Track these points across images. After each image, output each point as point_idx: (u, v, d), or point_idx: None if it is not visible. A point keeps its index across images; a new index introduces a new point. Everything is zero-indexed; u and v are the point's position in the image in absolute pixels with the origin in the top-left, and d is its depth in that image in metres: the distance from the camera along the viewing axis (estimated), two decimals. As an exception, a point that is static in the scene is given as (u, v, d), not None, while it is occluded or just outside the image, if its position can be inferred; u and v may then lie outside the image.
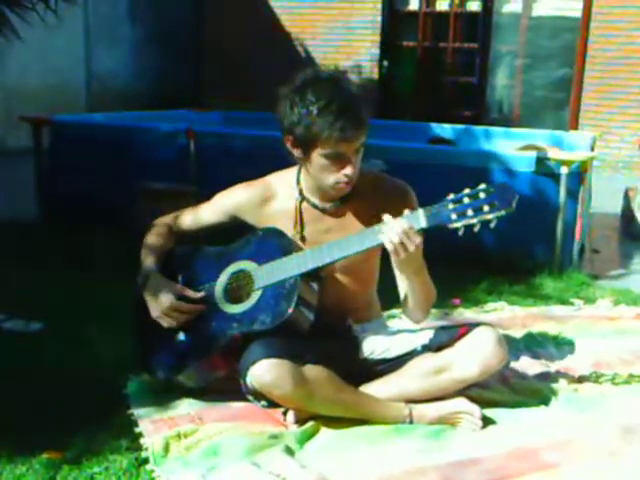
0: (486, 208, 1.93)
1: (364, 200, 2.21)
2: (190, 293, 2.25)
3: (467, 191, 1.96)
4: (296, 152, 2.15)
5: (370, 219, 2.12)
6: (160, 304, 2.22)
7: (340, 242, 2.11)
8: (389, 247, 1.98)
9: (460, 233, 1.95)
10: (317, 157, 2.09)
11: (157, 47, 9.52)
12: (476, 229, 1.95)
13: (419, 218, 1.98)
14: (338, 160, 2.09)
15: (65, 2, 4.78)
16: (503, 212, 1.92)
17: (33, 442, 1.95)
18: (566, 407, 2.33)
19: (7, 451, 1.90)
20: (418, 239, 1.98)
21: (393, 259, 2.03)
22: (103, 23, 8.91)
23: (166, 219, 2.45)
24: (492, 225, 1.94)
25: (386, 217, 2.01)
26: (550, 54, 8.74)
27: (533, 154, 3.98)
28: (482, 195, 1.94)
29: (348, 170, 2.10)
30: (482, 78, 8.91)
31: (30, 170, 4.98)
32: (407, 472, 1.92)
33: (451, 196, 1.97)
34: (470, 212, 1.94)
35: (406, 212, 2.01)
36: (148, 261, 2.33)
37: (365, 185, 2.21)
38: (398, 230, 1.96)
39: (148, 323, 2.26)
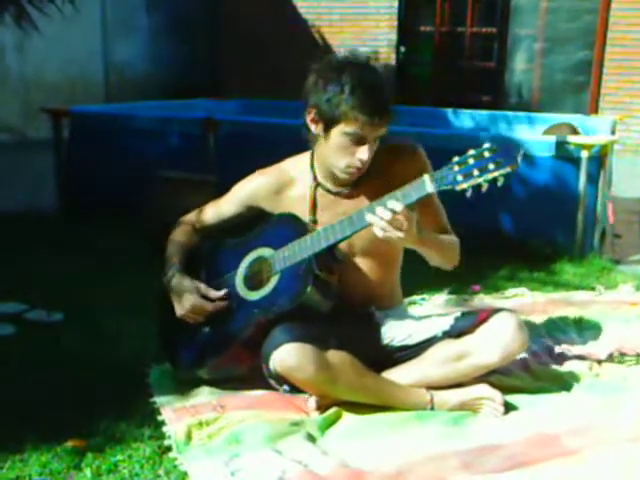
0: (491, 166, 1.92)
1: (378, 178, 2.20)
2: (212, 292, 2.26)
3: (471, 152, 1.95)
4: (315, 127, 2.15)
5: (385, 194, 2.10)
6: (184, 304, 2.25)
7: (351, 217, 2.10)
8: (376, 231, 1.98)
9: (468, 195, 1.94)
10: (337, 135, 2.09)
11: (174, 36, 9.52)
12: (484, 189, 1.94)
13: (425, 183, 1.98)
14: (357, 142, 2.08)
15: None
16: (509, 169, 1.91)
17: (57, 430, 1.97)
18: (588, 392, 2.32)
19: (33, 439, 1.92)
20: (409, 215, 1.97)
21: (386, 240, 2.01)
22: (120, 13, 8.92)
23: (189, 216, 2.48)
24: (499, 184, 1.93)
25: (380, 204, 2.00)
26: (570, 37, 8.63)
27: (553, 138, 3.95)
28: (487, 154, 1.94)
29: (363, 154, 2.09)
30: (500, 63, 8.82)
31: (50, 161, 5.01)
32: (428, 458, 1.92)
33: (456, 158, 1.96)
34: (476, 172, 1.93)
35: (406, 186, 2.00)
36: (173, 260, 2.35)
37: (377, 162, 2.19)
38: (387, 214, 1.95)
39: (172, 318, 2.28)
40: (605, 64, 8.17)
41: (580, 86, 8.58)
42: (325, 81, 2.10)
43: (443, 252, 2.19)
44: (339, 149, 2.11)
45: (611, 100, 8.11)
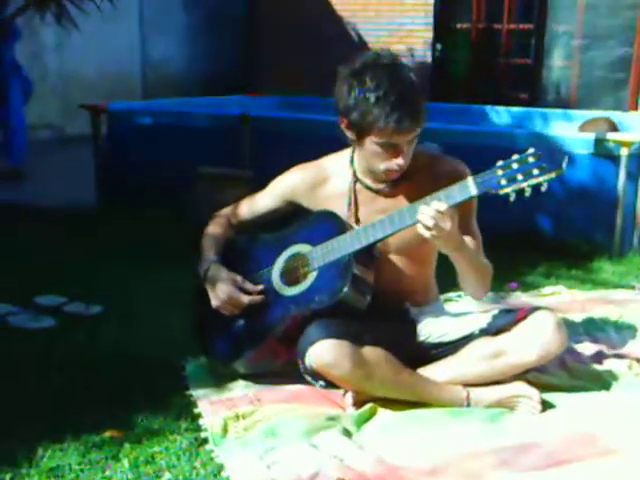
0: (536, 171, 1.91)
1: (419, 180, 2.18)
2: (249, 285, 2.27)
3: (516, 156, 1.95)
4: (350, 134, 2.14)
5: (425, 196, 2.08)
6: (220, 295, 2.25)
7: (392, 216, 2.10)
8: (421, 230, 1.97)
9: (512, 199, 1.93)
10: (370, 144, 2.08)
11: (211, 33, 9.58)
12: (527, 194, 1.92)
13: (469, 186, 1.97)
14: (391, 149, 2.07)
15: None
16: (553, 174, 1.90)
17: (96, 421, 2.00)
18: (627, 391, 2.29)
19: (72, 429, 1.95)
20: (454, 217, 1.96)
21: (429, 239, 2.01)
22: (157, 10, 9.00)
23: (225, 210, 2.49)
24: (543, 189, 1.92)
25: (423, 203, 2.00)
26: (609, 33, 8.50)
27: (591, 136, 3.90)
28: (531, 159, 1.92)
29: (400, 160, 2.09)
30: (538, 59, 8.74)
31: (88, 157, 5.08)
32: (464, 455, 1.91)
33: (500, 162, 1.95)
34: (520, 177, 1.92)
35: (450, 187, 1.99)
36: (208, 252, 2.36)
37: (420, 165, 2.19)
38: (431, 213, 1.95)
39: (209, 310, 2.29)
40: (645, 60, 8.04)
41: (619, 83, 8.45)
42: (350, 89, 2.07)
43: (477, 270, 2.15)
44: (375, 156, 2.11)
45: (651, 97, 7.98)
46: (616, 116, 5.34)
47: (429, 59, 9.02)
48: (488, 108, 5.89)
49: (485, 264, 2.19)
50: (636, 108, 7.86)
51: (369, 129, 2.05)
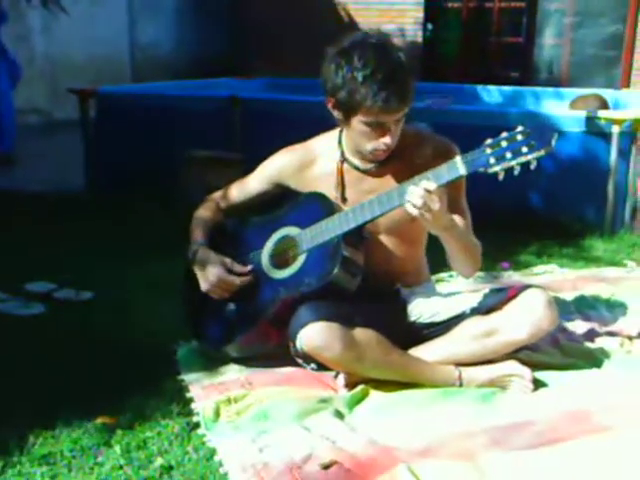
0: (525, 149, 1.89)
1: (406, 159, 2.17)
2: (238, 267, 2.26)
3: (504, 134, 1.93)
4: (337, 114, 2.13)
5: (413, 176, 2.05)
6: (209, 278, 2.24)
7: (380, 197, 2.09)
8: (409, 209, 1.96)
9: (500, 178, 1.92)
10: (357, 123, 2.07)
11: (199, 15, 9.51)
12: (516, 172, 1.91)
13: (457, 165, 1.95)
14: (378, 128, 2.06)
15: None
16: (542, 152, 1.88)
17: (88, 407, 1.98)
18: (619, 369, 2.30)
19: (64, 416, 1.94)
20: (443, 197, 1.95)
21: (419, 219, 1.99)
22: (145, -7, 8.94)
23: (214, 194, 2.48)
24: (532, 167, 1.90)
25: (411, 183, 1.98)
26: (601, 10, 8.48)
27: (583, 113, 3.89)
28: (520, 137, 1.91)
29: (387, 139, 2.07)
30: (529, 38, 8.71)
31: (77, 142, 5.04)
32: (456, 435, 1.91)
33: (489, 141, 1.94)
34: (509, 155, 1.90)
35: (438, 167, 1.98)
36: (197, 235, 2.35)
37: (408, 144, 2.17)
38: (420, 192, 1.93)
39: (198, 295, 2.29)
40: (638, 37, 8.02)
41: (611, 61, 8.43)
42: (337, 68, 2.05)
43: (467, 249, 2.14)
44: (362, 135, 2.09)
45: (643, 74, 7.97)
46: (608, 94, 5.33)
47: (420, 39, 8.98)
48: (480, 87, 5.88)
49: (474, 243, 2.19)
50: (628, 85, 7.85)
51: (356, 108, 2.03)
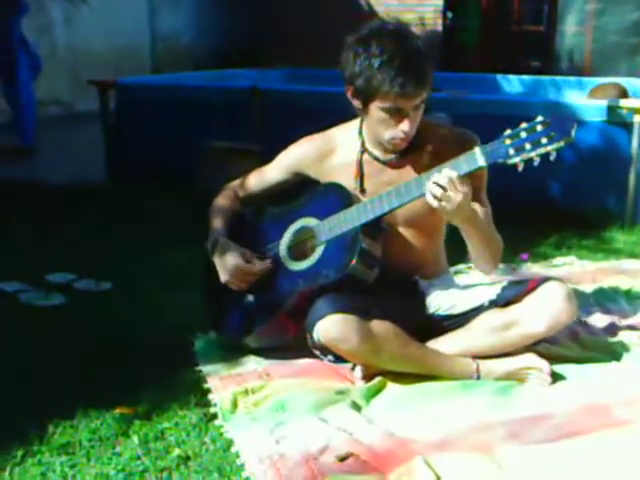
0: (544, 140, 1.88)
1: (426, 151, 2.16)
2: (257, 258, 2.26)
3: (524, 125, 1.91)
4: (355, 103, 2.12)
5: (431, 169, 2.05)
6: (228, 269, 2.24)
7: (399, 188, 2.08)
8: (430, 200, 1.95)
9: (520, 169, 1.90)
10: (375, 110, 2.06)
11: (219, 5, 9.51)
12: (536, 163, 1.90)
13: (476, 156, 1.94)
14: (396, 115, 2.05)
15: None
16: (562, 143, 1.87)
17: (106, 398, 2.00)
18: (638, 362, 2.28)
19: (83, 406, 1.96)
20: (464, 188, 1.94)
21: (439, 210, 1.99)
22: (166, -17, 8.95)
23: (233, 183, 2.47)
24: (552, 158, 1.89)
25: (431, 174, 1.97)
26: (624, -4, 8.38)
27: (604, 102, 3.84)
28: (539, 128, 1.89)
29: (405, 126, 2.06)
30: (551, 26, 8.64)
31: (98, 133, 5.06)
32: (474, 428, 1.91)
33: (508, 132, 1.92)
34: (528, 146, 1.89)
35: (456, 158, 1.97)
36: (216, 225, 2.35)
37: (429, 136, 2.17)
38: (443, 181, 1.92)
39: (217, 286, 2.29)
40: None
41: (634, 48, 8.33)
42: (355, 56, 2.06)
43: (489, 242, 2.14)
44: (380, 122, 2.08)
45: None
46: (630, 82, 5.27)
47: (439, 27, 8.92)
48: (500, 77, 5.83)
49: (496, 238, 2.18)
50: (650, 74, 7.75)
51: (374, 94, 2.03)
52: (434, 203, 1.95)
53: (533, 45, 8.77)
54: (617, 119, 3.75)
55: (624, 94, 4.70)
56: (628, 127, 3.72)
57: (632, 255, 3.40)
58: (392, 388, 2.13)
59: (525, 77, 5.89)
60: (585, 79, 5.84)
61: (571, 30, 8.74)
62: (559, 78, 5.89)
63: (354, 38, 2.09)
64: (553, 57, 8.72)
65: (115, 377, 2.14)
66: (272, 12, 9.73)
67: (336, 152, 2.28)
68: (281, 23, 9.58)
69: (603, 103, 3.84)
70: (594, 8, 8.58)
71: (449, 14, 9.01)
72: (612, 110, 3.75)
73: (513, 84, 5.76)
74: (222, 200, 2.43)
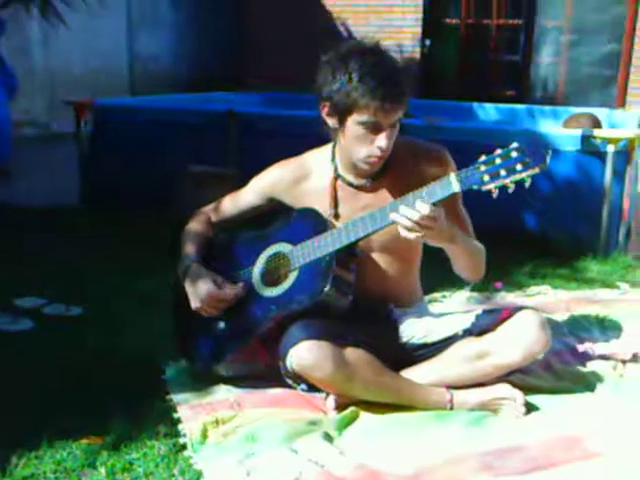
0: (519, 167, 1.88)
1: (400, 173, 2.16)
2: (229, 285, 2.23)
3: (499, 152, 1.91)
4: (331, 121, 2.12)
5: (408, 191, 2.03)
6: (200, 295, 2.22)
7: (373, 214, 2.07)
8: (404, 233, 1.95)
9: (494, 195, 1.90)
10: (352, 125, 2.05)
11: (198, 29, 9.52)
12: (510, 190, 1.89)
13: (451, 182, 1.94)
14: (373, 130, 2.04)
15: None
16: (537, 170, 1.87)
17: (73, 427, 1.96)
18: (612, 393, 2.28)
19: (48, 436, 1.91)
20: (437, 214, 1.92)
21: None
22: (145, 6, 8.94)
23: (206, 208, 2.45)
24: (527, 185, 1.89)
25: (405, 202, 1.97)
26: (597, 29, 8.50)
27: (578, 132, 3.88)
28: (514, 154, 1.89)
29: (382, 141, 2.05)
30: (526, 56, 8.74)
31: (74, 154, 5.01)
32: (447, 460, 1.89)
33: (482, 158, 1.92)
34: (503, 172, 1.89)
35: (431, 184, 1.96)
36: (188, 250, 2.33)
37: (401, 157, 2.16)
38: (414, 217, 1.91)
39: (188, 312, 2.26)
40: (634, 56, 8.05)
41: (607, 79, 8.46)
42: (333, 71, 2.07)
43: (472, 255, 2.14)
44: (357, 139, 2.07)
45: (639, 94, 7.98)
46: (603, 113, 5.33)
47: (417, 55, 8.99)
48: (476, 105, 5.87)
49: (478, 248, 2.18)
50: (624, 105, 7.87)
51: (352, 107, 2.02)
52: (409, 235, 1.95)
53: (509, 74, 8.87)
54: (591, 149, 3.77)
55: (598, 124, 4.76)
56: (602, 157, 3.74)
57: (605, 285, 3.41)
58: (365, 418, 2.10)
59: (501, 105, 5.94)
60: (560, 108, 5.89)
61: (546, 60, 8.86)
62: (534, 107, 5.95)
63: (331, 55, 2.10)
64: (529, 86, 8.81)
65: (83, 405, 2.09)
66: (252, 36, 9.77)
67: (309, 178, 2.27)
68: (259, 48, 9.61)
69: (577, 133, 3.86)
70: (568, 39, 8.71)
71: (427, 42, 9.09)
72: (586, 140, 3.77)
73: (489, 112, 5.80)
74: (195, 225, 2.41)
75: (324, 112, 2.12)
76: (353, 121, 2.05)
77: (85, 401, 2.12)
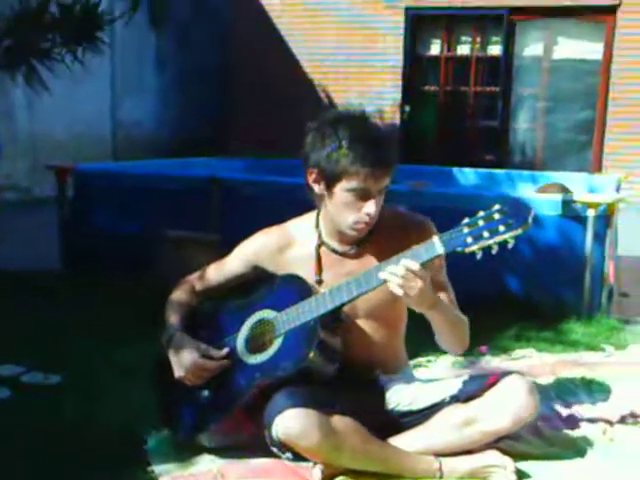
0: (502, 228, 1.89)
1: (384, 240, 2.16)
2: (214, 352, 2.20)
3: (481, 213, 1.92)
4: (318, 188, 2.12)
5: (391, 258, 2.04)
6: (184, 364, 2.18)
7: (358, 278, 2.06)
8: (393, 289, 1.94)
9: (478, 257, 1.90)
10: (340, 192, 2.06)
11: (183, 96, 9.64)
12: (494, 251, 1.90)
13: (435, 245, 1.94)
14: (362, 196, 2.05)
15: (92, 53, 4.83)
16: (520, 230, 1.88)
17: (52, 500, 1.90)
18: (603, 459, 2.25)
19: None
20: (424, 274, 1.93)
21: (403, 299, 1.98)
22: (130, 72, 9.05)
23: (191, 276, 2.44)
24: (510, 246, 1.89)
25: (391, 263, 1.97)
26: (572, 96, 8.72)
27: (559, 197, 3.92)
28: (497, 216, 1.90)
29: (371, 208, 2.06)
30: (504, 122, 8.91)
31: (55, 219, 4.99)
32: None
33: (466, 220, 1.93)
34: (486, 234, 1.89)
35: (415, 246, 1.97)
36: (172, 320, 2.30)
37: (384, 224, 2.16)
38: (401, 272, 1.92)
39: (171, 381, 2.22)
40: (608, 123, 8.23)
41: (583, 145, 8.63)
42: (322, 138, 2.08)
43: (454, 325, 2.13)
44: (344, 206, 2.08)
45: (614, 159, 8.14)
46: (581, 178, 5.42)
47: (397, 121, 9.14)
48: (456, 170, 5.94)
49: (461, 318, 2.17)
50: (600, 169, 8.01)
51: (342, 174, 2.03)
52: (398, 291, 1.94)
53: (488, 140, 9.03)
54: (571, 213, 3.81)
55: (566, 192, 4.83)
56: (583, 221, 3.78)
57: (590, 347, 3.41)
58: (352, 489, 2.05)
59: (480, 170, 6.02)
60: (537, 173, 5.99)
61: (523, 126, 9.04)
62: (513, 172, 6.04)
63: (319, 122, 2.12)
64: (507, 151, 8.97)
65: (63, 477, 2.03)
66: (235, 103, 9.90)
67: (293, 245, 2.26)
68: (244, 114, 9.73)
69: (558, 198, 3.91)
70: (544, 106, 8.90)
71: (406, 107, 9.26)
72: (566, 204, 3.81)
73: (468, 177, 5.87)
74: (179, 294, 2.39)
75: (311, 179, 2.13)
76: (342, 188, 2.05)
77: (65, 473, 2.06)
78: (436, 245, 1.95)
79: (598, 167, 8.18)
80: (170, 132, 9.38)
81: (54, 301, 3.89)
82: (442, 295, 2.13)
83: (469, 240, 1.91)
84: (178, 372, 2.20)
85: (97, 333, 3.32)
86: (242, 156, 6.86)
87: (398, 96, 9.22)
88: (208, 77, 9.98)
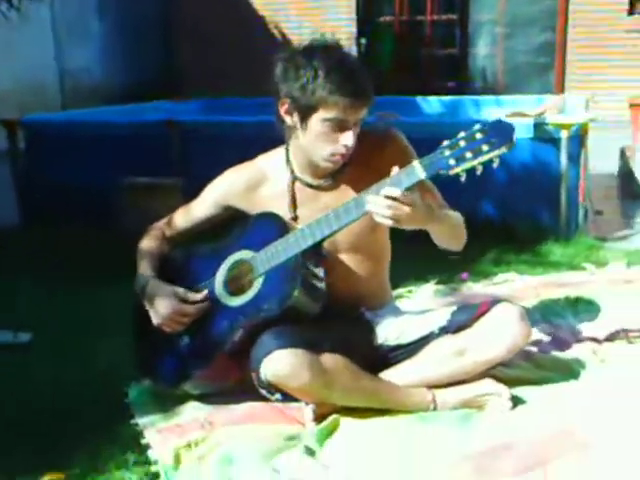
0: (485, 147, 1.79)
1: (358, 168, 2.06)
2: (191, 295, 2.10)
3: (462, 134, 1.82)
4: (290, 119, 2.00)
5: (368, 185, 1.93)
6: (161, 310, 2.07)
7: (337, 211, 1.96)
8: (380, 220, 1.84)
9: (462, 179, 1.81)
10: (317, 123, 1.95)
11: (129, 39, 9.30)
12: (479, 172, 1.81)
13: (416, 170, 1.84)
14: (339, 128, 1.95)
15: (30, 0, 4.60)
16: (504, 149, 1.78)
17: (32, 463, 1.80)
18: (595, 379, 2.21)
19: (6, 474, 1.75)
20: (409, 198, 1.82)
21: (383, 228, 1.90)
22: (72, 19, 8.68)
23: (159, 223, 2.32)
24: (495, 165, 1.80)
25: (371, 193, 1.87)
26: (531, 19, 8.61)
27: (531, 120, 3.84)
28: (479, 135, 1.80)
29: (348, 139, 1.96)
30: (463, 49, 8.80)
31: (7, 173, 4.78)
32: (438, 468, 1.78)
33: (446, 142, 1.83)
34: (469, 154, 1.80)
35: (395, 169, 1.86)
36: (143, 269, 2.18)
37: (355, 151, 2.04)
38: (385, 202, 1.81)
39: (149, 330, 2.11)
40: (568, 44, 8.17)
41: (545, 67, 8.56)
42: (296, 68, 1.96)
43: (451, 228, 2.05)
44: (320, 137, 1.97)
45: (577, 79, 8.10)
46: (548, 99, 5.35)
47: (354, 54, 8.97)
48: (420, 99, 5.83)
49: (456, 218, 2.09)
50: (562, 91, 7.95)
51: (319, 104, 1.92)
52: (386, 222, 1.84)
53: (447, 67, 8.93)
54: (545, 135, 3.74)
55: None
56: (556, 143, 3.72)
57: (571, 267, 3.38)
58: (346, 427, 1.98)
59: (444, 98, 5.90)
60: (502, 97, 5.90)
61: (483, 52, 8.93)
62: (478, 97, 5.94)
63: (288, 52, 2.00)
64: (467, 78, 8.87)
65: (42, 438, 1.93)
66: (183, 44, 9.61)
67: (265, 182, 2.16)
68: (193, 54, 9.46)
69: (530, 121, 3.83)
70: (503, 31, 8.80)
71: (362, 40, 9.07)
72: (539, 127, 3.74)
73: (433, 105, 5.76)
74: (148, 241, 2.26)
75: (283, 110, 2.01)
76: (318, 118, 1.94)
77: (43, 433, 1.96)
78: (417, 170, 1.85)
79: (561, 89, 8.12)
80: (119, 78, 9.06)
81: (15, 257, 3.73)
82: (430, 200, 2.02)
83: (452, 162, 1.81)
84: (156, 320, 2.09)
85: (64, 285, 3.19)
86: (195, 98, 6.64)
87: (353, 29, 9.00)
88: (153, 19, 9.63)
